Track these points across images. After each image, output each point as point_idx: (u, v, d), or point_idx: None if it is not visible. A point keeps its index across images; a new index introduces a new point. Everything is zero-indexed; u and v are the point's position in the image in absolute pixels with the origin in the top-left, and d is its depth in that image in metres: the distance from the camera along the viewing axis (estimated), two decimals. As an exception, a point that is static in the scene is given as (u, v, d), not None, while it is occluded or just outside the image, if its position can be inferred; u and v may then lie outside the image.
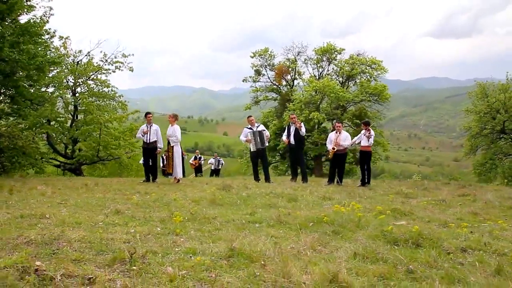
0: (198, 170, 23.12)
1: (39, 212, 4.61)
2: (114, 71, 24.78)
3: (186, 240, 3.60)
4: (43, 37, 11.47)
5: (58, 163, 24.07)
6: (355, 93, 24.35)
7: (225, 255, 3.01)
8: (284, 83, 28.10)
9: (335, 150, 11.50)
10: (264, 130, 12.24)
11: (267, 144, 12.51)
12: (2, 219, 4.30)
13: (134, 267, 2.63)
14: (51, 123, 21.95)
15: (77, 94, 23.51)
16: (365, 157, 11.65)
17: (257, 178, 12.32)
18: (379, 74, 25.52)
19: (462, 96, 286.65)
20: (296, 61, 27.50)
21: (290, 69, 27.50)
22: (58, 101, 21.49)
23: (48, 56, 12.14)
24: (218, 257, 3.00)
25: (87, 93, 23.71)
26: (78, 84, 23.50)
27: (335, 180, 11.81)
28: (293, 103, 24.40)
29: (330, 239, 3.79)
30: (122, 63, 24.45)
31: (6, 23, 10.73)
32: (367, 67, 25.42)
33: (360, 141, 11.64)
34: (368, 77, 25.56)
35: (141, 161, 23.54)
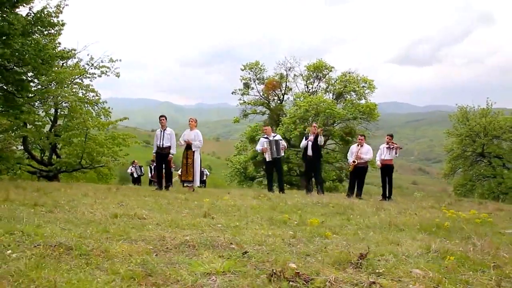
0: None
1: (131, 213, 3.99)
2: (100, 76, 23.64)
3: (348, 242, 3.13)
4: (55, 27, 10.61)
5: (33, 169, 22.48)
6: (348, 111, 24.54)
7: (437, 255, 2.59)
8: (274, 97, 27.97)
9: (356, 163, 11.31)
10: (281, 140, 11.90)
11: (283, 154, 12.15)
12: (97, 218, 3.65)
13: (380, 270, 2.16)
14: (28, 126, 20.55)
15: (59, 98, 22.17)
16: (387, 170, 11.52)
17: (271, 189, 11.90)
18: (368, 92, 25.94)
19: (420, 121, 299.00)
20: (287, 76, 27.53)
21: (280, 83, 27.42)
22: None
23: (61, 50, 11.32)
24: (430, 258, 2.57)
25: (71, 96, 22.40)
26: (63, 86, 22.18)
27: (355, 193, 11.60)
28: (287, 117, 24.22)
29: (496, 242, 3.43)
30: (108, 68, 23.35)
31: (18, 10, 9.87)
32: (359, 86, 25.73)
33: (382, 154, 11.52)
34: (358, 95, 25.88)
35: (128, 170, 22.53)
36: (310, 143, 11.70)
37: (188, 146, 10.81)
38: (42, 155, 23.23)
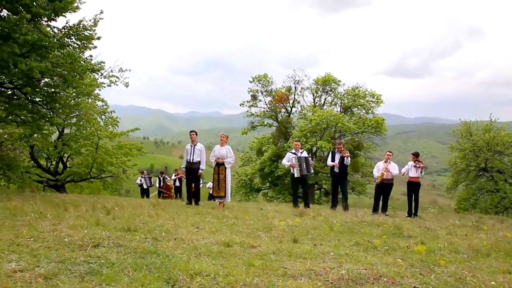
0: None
1: (238, 241, 4.03)
2: (109, 85, 23.54)
3: (466, 271, 3.23)
4: (90, 40, 10.65)
5: (41, 178, 22.27)
6: (357, 125, 24.87)
7: None
8: (281, 110, 28.19)
9: (384, 175, 11.46)
10: (309, 156, 12.07)
11: (312, 171, 12.30)
12: (223, 249, 3.68)
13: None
14: (34, 135, 20.41)
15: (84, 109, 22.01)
16: (413, 188, 11.70)
17: (296, 204, 12.02)
18: (375, 106, 26.30)
19: (411, 133, 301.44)
20: (295, 89, 27.82)
21: (288, 96, 27.70)
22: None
23: (89, 62, 11.40)
24: None
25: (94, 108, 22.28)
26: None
27: (380, 210, 11.76)
28: (298, 130, 24.43)
29: None
30: (118, 77, 23.28)
31: (55, 22, 9.91)
32: (366, 101, 26.09)
33: (408, 172, 11.71)
34: (366, 109, 26.25)
35: (137, 181, 22.39)
36: (336, 161, 11.86)
37: (219, 162, 10.82)
38: (49, 164, 23.07)
